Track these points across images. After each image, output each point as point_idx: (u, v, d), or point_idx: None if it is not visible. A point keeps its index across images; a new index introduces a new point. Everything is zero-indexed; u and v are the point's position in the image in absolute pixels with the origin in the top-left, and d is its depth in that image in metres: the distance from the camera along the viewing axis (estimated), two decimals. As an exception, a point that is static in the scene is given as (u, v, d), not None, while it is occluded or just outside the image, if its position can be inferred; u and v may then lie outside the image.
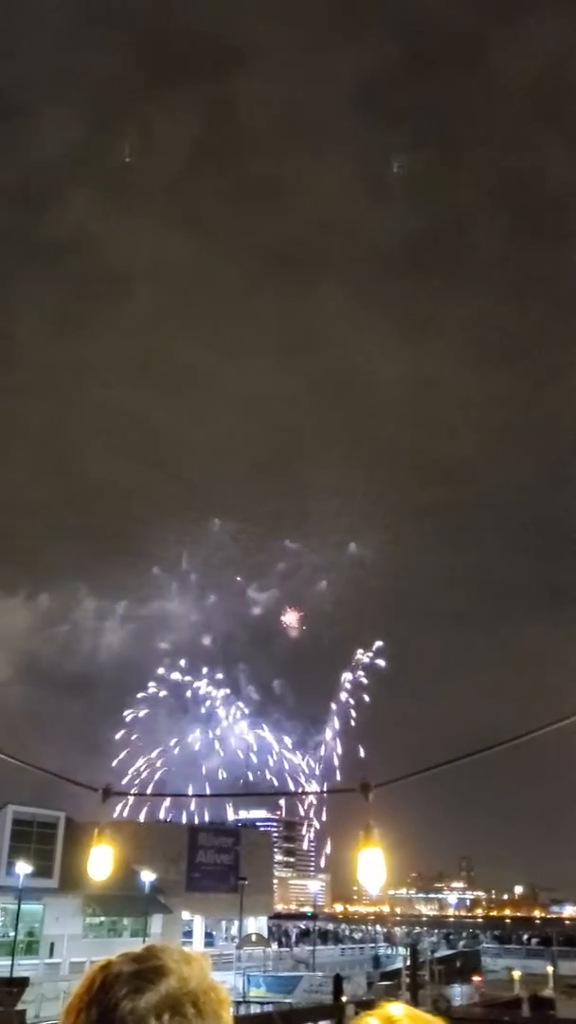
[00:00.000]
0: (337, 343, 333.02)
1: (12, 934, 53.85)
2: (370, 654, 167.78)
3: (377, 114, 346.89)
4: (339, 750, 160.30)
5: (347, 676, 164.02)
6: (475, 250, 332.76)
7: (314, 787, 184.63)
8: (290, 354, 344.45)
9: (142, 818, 75.63)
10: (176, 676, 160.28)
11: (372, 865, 6.59)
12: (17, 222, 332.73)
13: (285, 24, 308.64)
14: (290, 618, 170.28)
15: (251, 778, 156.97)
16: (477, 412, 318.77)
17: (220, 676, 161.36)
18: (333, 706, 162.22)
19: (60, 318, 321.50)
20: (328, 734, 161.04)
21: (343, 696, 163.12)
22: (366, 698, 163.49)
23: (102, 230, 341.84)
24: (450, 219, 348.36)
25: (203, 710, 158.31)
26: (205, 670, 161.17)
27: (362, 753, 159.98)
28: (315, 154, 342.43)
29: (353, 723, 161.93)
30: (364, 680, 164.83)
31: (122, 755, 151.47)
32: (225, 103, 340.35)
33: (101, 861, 7.34)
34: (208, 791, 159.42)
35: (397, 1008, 1.72)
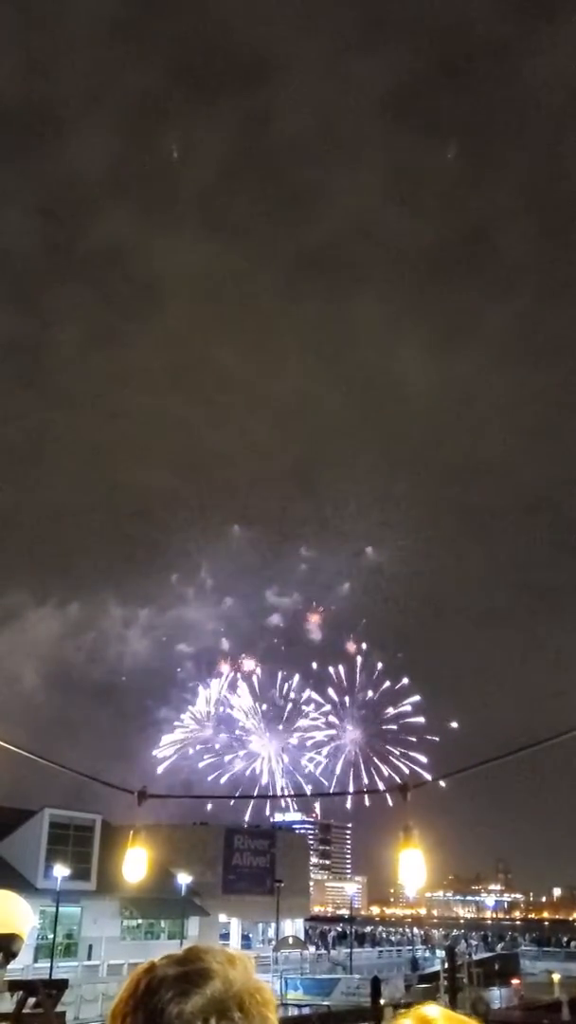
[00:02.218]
0: (371, 348, 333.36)
1: (51, 936, 54.19)
2: (396, 657, 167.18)
3: (409, 121, 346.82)
4: (366, 753, 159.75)
5: (374, 678, 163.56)
6: (508, 254, 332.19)
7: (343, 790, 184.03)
8: (324, 360, 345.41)
9: (175, 821, 75.64)
10: (198, 682, 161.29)
11: (412, 866, 6.55)
12: (56, 236, 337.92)
13: (316, 35, 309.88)
14: (312, 622, 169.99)
15: (282, 780, 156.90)
16: (513, 414, 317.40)
17: (242, 681, 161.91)
18: (359, 710, 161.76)
19: (98, 329, 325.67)
20: (352, 738, 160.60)
21: (370, 699, 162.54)
22: (395, 699, 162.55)
23: (139, 242, 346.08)
24: (483, 224, 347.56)
25: (226, 713, 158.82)
26: (227, 675, 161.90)
27: (394, 756, 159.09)
28: (348, 162, 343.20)
29: (383, 727, 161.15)
30: (393, 681, 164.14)
31: (149, 759, 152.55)
32: (258, 115, 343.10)
33: (136, 863, 7.36)
34: (236, 794, 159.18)
35: (433, 1010, 1.69)
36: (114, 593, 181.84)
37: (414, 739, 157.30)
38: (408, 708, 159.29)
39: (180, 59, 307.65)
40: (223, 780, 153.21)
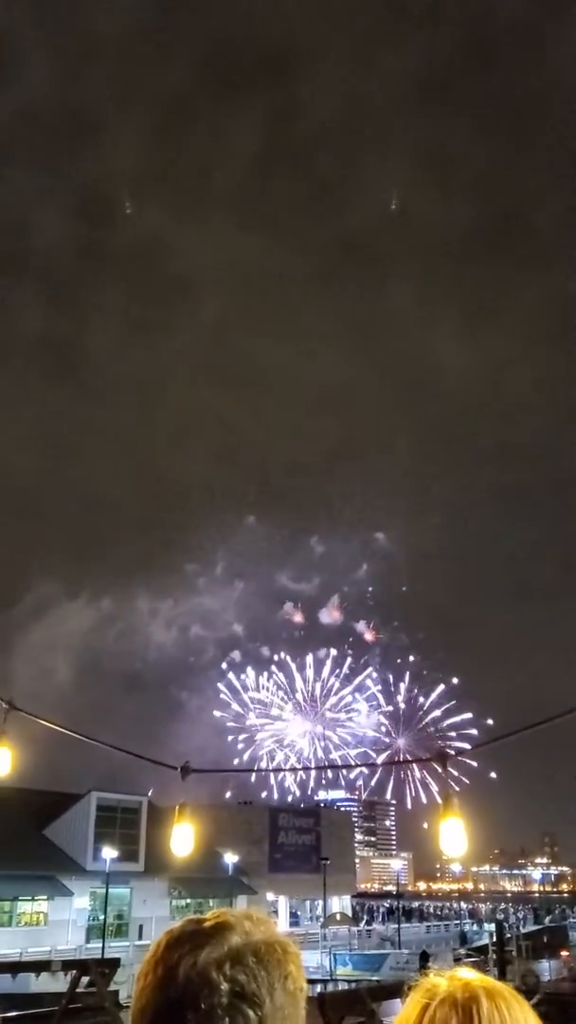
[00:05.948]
0: (405, 332, 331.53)
1: (102, 917, 55.07)
2: (421, 636, 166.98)
3: (437, 106, 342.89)
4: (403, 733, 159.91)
5: (409, 657, 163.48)
6: (540, 234, 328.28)
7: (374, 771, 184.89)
8: (359, 347, 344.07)
9: (219, 802, 76.40)
10: (221, 669, 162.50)
11: (453, 833, 6.56)
12: (91, 233, 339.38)
13: (340, 24, 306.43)
14: (332, 605, 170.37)
15: (322, 758, 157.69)
16: (547, 393, 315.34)
17: (266, 668, 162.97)
18: (391, 690, 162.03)
19: (133, 324, 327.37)
20: (383, 716, 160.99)
21: (403, 679, 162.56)
22: (426, 676, 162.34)
23: (172, 237, 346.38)
24: (514, 204, 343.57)
25: (255, 701, 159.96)
26: (252, 662, 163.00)
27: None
28: (377, 149, 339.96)
29: (416, 704, 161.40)
30: (426, 660, 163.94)
31: (179, 743, 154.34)
32: (286, 106, 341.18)
33: (183, 838, 7.42)
34: (272, 776, 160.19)
35: (470, 972, 1.69)
36: (142, 583, 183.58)
37: (447, 715, 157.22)
38: (440, 686, 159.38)
39: (206, 55, 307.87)
40: (260, 764, 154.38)
